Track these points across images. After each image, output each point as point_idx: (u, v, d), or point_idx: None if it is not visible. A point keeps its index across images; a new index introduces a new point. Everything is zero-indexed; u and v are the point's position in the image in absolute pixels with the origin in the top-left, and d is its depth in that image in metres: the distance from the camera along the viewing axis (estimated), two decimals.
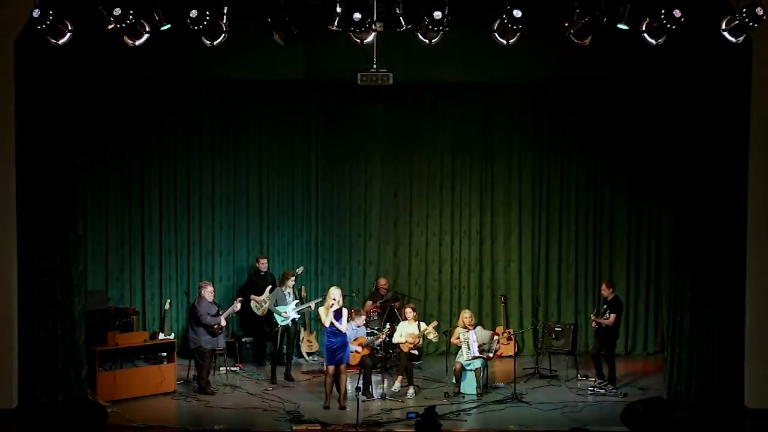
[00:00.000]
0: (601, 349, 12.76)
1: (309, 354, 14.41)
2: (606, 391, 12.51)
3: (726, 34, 9.65)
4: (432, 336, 13.02)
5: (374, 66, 10.59)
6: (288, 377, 13.24)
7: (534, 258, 15.15)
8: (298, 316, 13.57)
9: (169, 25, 9.83)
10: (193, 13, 9.42)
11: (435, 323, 13.27)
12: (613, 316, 12.60)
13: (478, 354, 12.40)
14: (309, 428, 10.87)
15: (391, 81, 10.75)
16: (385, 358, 13.58)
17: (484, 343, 12.55)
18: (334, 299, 11.76)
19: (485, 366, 12.57)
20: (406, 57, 11.55)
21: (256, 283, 14.18)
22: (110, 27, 9.53)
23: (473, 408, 11.86)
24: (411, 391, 12.44)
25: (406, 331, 12.79)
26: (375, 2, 9.72)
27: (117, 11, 9.36)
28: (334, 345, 11.78)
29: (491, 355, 12.75)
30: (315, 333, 14.50)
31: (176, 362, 12.72)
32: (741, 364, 11.48)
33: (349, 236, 15.18)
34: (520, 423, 11.14)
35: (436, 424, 9.24)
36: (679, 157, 11.72)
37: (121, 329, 12.89)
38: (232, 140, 14.79)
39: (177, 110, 14.45)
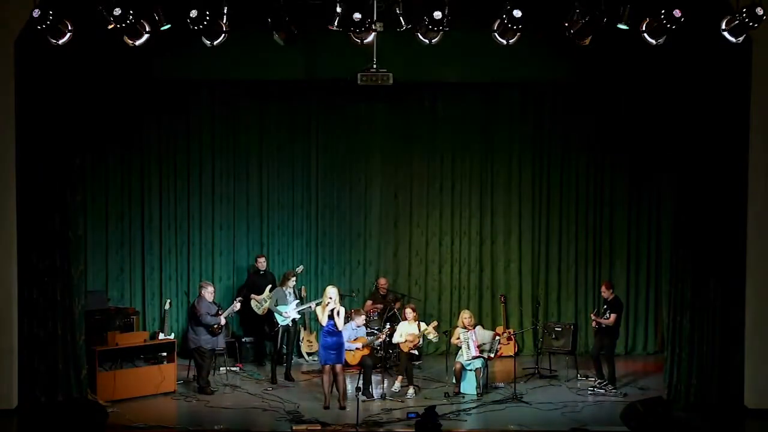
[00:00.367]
0: (601, 349, 12.76)
1: (309, 354, 14.41)
2: (606, 391, 12.51)
3: (726, 34, 9.65)
4: (432, 336, 13.02)
5: (374, 66, 10.59)
6: (288, 377, 13.24)
7: (534, 258, 15.15)
8: (299, 316, 13.57)
9: (169, 25, 9.83)
10: (193, 13, 9.43)
11: (435, 323, 13.27)
12: (613, 316, 12.60)
13: (477, 354, 12.39)
14: (309, 428, 10.87)
15: (391, 81, 10.75)
16: (385, 358, 13.59)
17: (484, 343, 12.55)
18: (330, 298, 11.77)
19: (485, 366, 12.57)
20: (406, 57, 11.55)
21: (255, 283, 14.19)
22: (110, 27, 9.53)
23: (473, 408, 11.86)
24: (411, 391, 12.44)
25: (406, 331, 12.79)
26: (375, 2, 9.73)
27: (117, 11, 9.36)
28: (327, 344, 11.79)
29: (492, 355, 12.76)
30: (315, 333, 14.49)
31: (176, 362, 12.72)
32: (741, 364, 11.47)
33: (349, 236, 15.18)
34: (520, 423, 11.14)
35: (436, 424, 9.24)
36: (679, 157, 11.72)
37: (121, 329, 12.89)
38: (232, 140, 14.79)
39: (177, 110, 14.45)
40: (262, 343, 14.34)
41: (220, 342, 12.91)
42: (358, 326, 12.89)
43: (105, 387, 11.97)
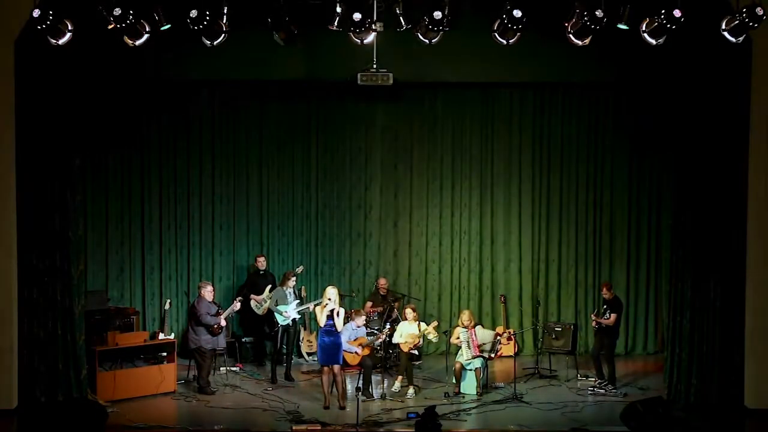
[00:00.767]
0: (601, 349, 12.76)
1: (309, 354, 14.41)
2: (606, 391, 12.51)
3: (726, 34, 9.66)
4: (432, 336, 13.02)
5: (374, 66, 10.60)
6: (288, 377, 13.24)
7: (534, 258, 15.14)
8: (299, 316, 13.57)
9: (169, 25, 9.83)
10: (193, 13, 9.43)
11: (435, 323, 13.27)
12: (613, 316, 12.60)
13: (476, 353, 12.39)
14: (309, 428, 10.87)
15: (391, 81, 10.77)
16: (385, 358, 13.58)
17: (484, 343, 12.55)
18: (329, 299, 11.77)
19: (485, 366, 12.57)
20: (406, 57, 11.55)
21: (255, 283, 14.19)
22: (110, 27, 9.54)
23: (473, 408, 11.86)
24: (411, 391, 12.44)
25: (406, 331, 12.79)
26: (375, 2, 9.73)
27: (117, 11, 9.36)
28: (325, 344, 11.80)
29: (492, 355, 12.76)
30: (315, 333, 14.47)
31: (176, 362, 12.72)
32: (741, 364, 11.48)
33: (349, 236, 15.17)
34: (520, 423, 11.14)
35: (436, 424, 9.24)
36: (679, 157, 11.72)
37: (121, 329, 12.90)
38: (232, 140, 14.78)
39: (177, 110, 14.45)
40: (262, 343, 14.34)
41: (221, 342, 12.90)
42: (358, 327, 12.89)
43: (105, 387, 11.98)
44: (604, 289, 12.90)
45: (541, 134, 14.96)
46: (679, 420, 10.75)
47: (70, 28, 9.79)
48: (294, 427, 10.89)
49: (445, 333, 13.49)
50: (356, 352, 12.65)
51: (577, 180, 15.00)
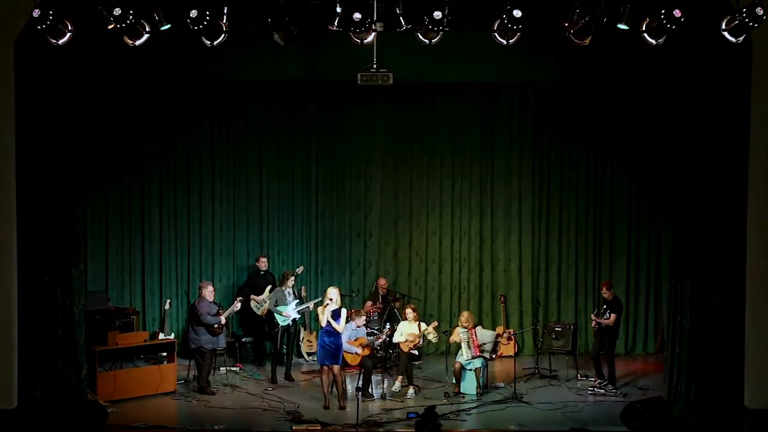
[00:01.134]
0: (601, 349, 12.76)
1: (309, 354, 14.41)
2: (606, 391, 12.51)
3: (726, 34, 9.65)
4: (432, 336, 13.02)
5: (374, 66, 10.58)
6: (288, 377, 13.25)
7: (534, 258, 15.15)
8: (299, 316, 13.57)
9: (169, 25, 9.83)
10: (193, 13, 9.42)
11: (435, 323, 13.28)
12: (613, 316, 12.60)
13: (476, 353, 12.39)
14: (309, 428, 10.87)
15: (391, 81, 10.74)
16: (385, 358, 13.59)
17: (484, 343, 12.55)
18: (330, 299, 11.78)
19: (485, 366, 12.57)
20: (406, 57, 11.54)
21: (256, 283, 14.19)
22: (110, 27, 9.53)
23: (473, 408, 11.86)
24: (411, 391, 12.44)
25: (407, 331, 12.79)
26: (375, 2, 9.72)
27: (117, 11, 9.36)
28: (326, 344, 11.80)
29: (493, 356, 12.76)
30: (315, 333, 14.48)
31: (176, 362, 12.72)
32: (741, 364, 11.47)
33: (349, 236, 15.18)
34: (520, 423, 11.14)
35: (436, 424, 9.24)
36: (679, 157, 11.72)
37: (121, 329, 12.89)
38: (232, 140, 14.79)
39: (177, 110, 14.45)
40: (262, 343, 14.34)
41: (221, 342, 12.91)
42: (358, 327, 12.88)
43: (105, 387, 11.98)
44: (604, 289, 12.91)
45: (541, 134, 14.97)
46: (679, 420, 10.75)
47: (70, 28, 9.79)
48: (294, 427, 10.89)
49: (445, 333, 13.49)
50: (356, 353, 12.65)
51: (577, 180, 15.01)
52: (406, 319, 13.00)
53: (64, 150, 11.48)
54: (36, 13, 9.48)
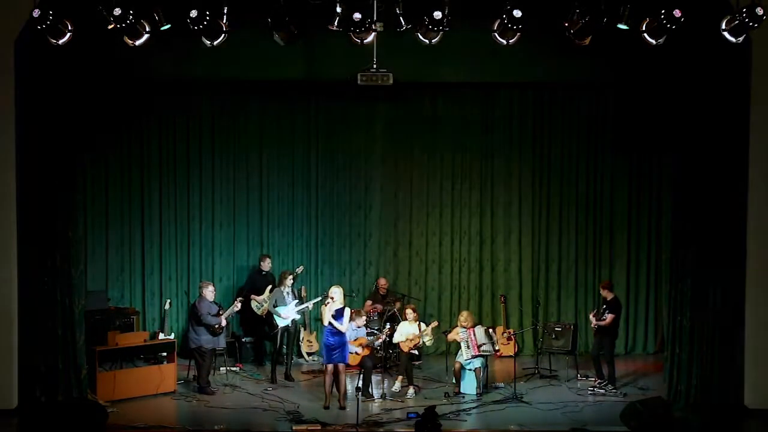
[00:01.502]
0: (600, 349, 12.76)
1: (309, 354, 14.41)
2: (606, 391, 12.51)
3: (726, 34, 9.65)
4: (428, 339, 13.00)
5: (374, 66, 10.58)
6: (288, 377, 13.24)
7: (534, 258, 15.15)
8: (298, 316, 13.56)
9: (169, 25, 9.83)
10: (193, 13, 9.43)
11: (435, 323, 13.27)
12: (610, 316, 12.61)
13: (476, 353, 12.39)
14: (309, 428, 10.87)
15: (391, 81, 10.74)
16: (385, 358, 13.58)
17: (484, 343, 12.54)
18: (332, 298, 11.78)
19: (485, 366, 12.57)
20: (406, 57, 11.53)
21: (256, 283, 14.18)
22: (110, 27, 9.53)
23: (473, 408, 11.86)
24: (411, 391, 12.44)
25: (407, 332, 12.79)
26: (375, 2, 9.72)
27: (117, 11, 9.37)
28: (332, 344, 11.80)
29: (496, 347, 12.78)
30: (315, 333, 14.50)
31: (176, 362, 12.72)
32: (741, 364, 11.47)
33: (349, 236, 15.17)
34: (520, 423, 11.14)
35: (436, 424, 9.24)
36: (678, 157, 11.72)
37: (121, 329, 12.91)
38: (232, 140, 14.78)
39: (177, 110, 14.46)
40: (262, 343, 14.33)
41: (221, 342, 12.91)
42: (359, 327, 12.87)
43: (105, 387, 11.97)
44: (605, 291, 12.90)
45: (541, 134, 14.97)
46: (679, 420, 10.75)
47: (70, 28, 9.80)
48: (294, 427, 10.89)
49: (445, 333, 13.48)
50: (356, 352, 12.65)
51: (577, 180, 15.00)
52: (406, 319, 13.00)
53: (64, 150, 11.48)
54: (36, 13, 9.49)
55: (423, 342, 13.03)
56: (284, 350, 13.50)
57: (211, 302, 12.63)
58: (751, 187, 11.40)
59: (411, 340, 12.72)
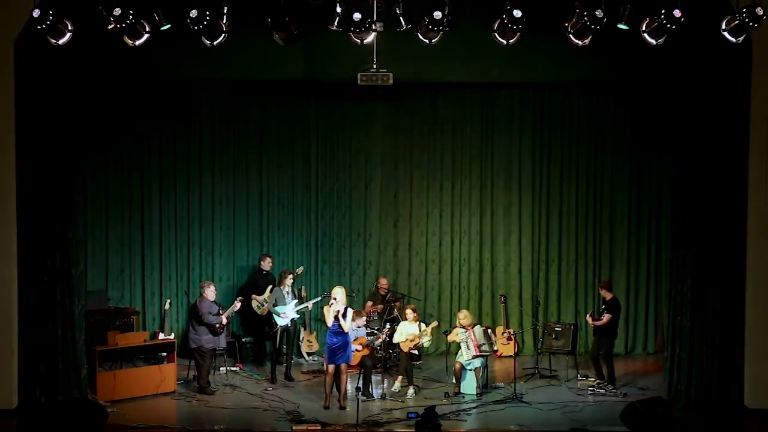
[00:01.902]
0: (599, 349, 12.77)
1: (309, 354, 14.41)
2: (606, 391, 12.51)
3: (726, 34, 9.65)
4: (426, 340, 13.00)
5: (374, 66, 10.58)
6: (288, 377, 13.24)
7: (534, 258, 15.14)
8: (298, 316, 13.56)
9: (169, 25, 9.82)
10: (193, 13, 9.42)
11: (435, 323, 13.28)
12: (607, 316, 12.62)
13: (476, 353, 12.39)
14: (309, 428, 10.88)
15: (391, 81, 10.74)
16: (385, 358, 13.59)
17: (483, 343, 12.54)
18: (334, 298, 11.78)
19: (485, 366, 12.57)
20: (406, 57, 11.54)
21: (257, 283, 14.18)
22: (110, 27, 9.53)
23: (473, 408, 11.86)
24: (411, 391, 12.44)
25: (407, 332, 12.79)
26: (375, 2, 9.72)
27: (117, 11, 9.35)
28: (335, 344, 11.79)
29: (495, 348, 12.78)
30: (315, 333, 14.51)
31: (176, 362, 12.72)
32: (741, 364, 11.47)
33: (349, 236, 15.17)
34: (520, 423, 11.15)
35: (436, 424, 9.25)
36: (678, 157, 11.72)
37: (121, 329, 12.91)
38: (232, 140, 14.79)
39: (177, 110, 14.45)
40: (262, 343, 14.33)
41: (221, 342, 12.92)
42: (359, 327, 12.87)
43: (105, 387, 11.98)
44: (604, 290, 12.90)
45: (541, 134, 14.97)
46: (679, 420, 10.76)
47: (70, 28, 9.78)
48: (294, 427, 10.90)
49: (445, 333, 13.49)
50: (356, 350, 12.66)
51: (577, 180, 15.00)
52: (406, 319, 13.00)
53: (64, 150, 11.49)
54: (36, 13, 9.48)
55: (422, 343, 13.03)
56: (284, 350, 13.49)
57: (211, 302, 12.63)
58: (751, 187, 11.41)
59: (411, 340, 12.72)
